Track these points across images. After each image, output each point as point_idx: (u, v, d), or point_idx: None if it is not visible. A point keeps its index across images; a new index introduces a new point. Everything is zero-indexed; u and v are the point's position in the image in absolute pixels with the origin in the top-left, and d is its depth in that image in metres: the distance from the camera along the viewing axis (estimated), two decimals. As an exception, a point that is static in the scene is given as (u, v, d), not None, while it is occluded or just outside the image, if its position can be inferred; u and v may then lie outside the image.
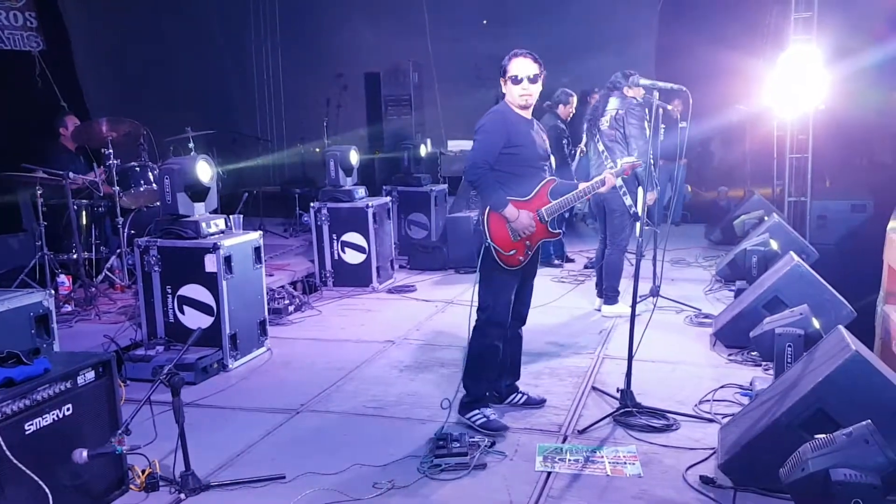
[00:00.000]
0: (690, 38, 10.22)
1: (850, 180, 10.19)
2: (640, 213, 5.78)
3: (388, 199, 7.98)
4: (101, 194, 6.61)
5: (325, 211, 7.18)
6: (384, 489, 3.29)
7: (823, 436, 2.77)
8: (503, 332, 3.98)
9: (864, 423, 2.71)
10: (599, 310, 6.21)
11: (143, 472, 3.33)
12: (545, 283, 7.35)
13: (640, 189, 5.82)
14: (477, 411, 3.92)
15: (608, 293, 6.10)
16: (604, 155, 5.94)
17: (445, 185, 9.14)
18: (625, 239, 6.00)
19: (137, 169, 6.70)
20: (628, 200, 5.83)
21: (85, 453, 2.95)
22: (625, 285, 6.10)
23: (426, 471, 3.44)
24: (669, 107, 7.23)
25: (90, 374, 3.13)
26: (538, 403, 4.24)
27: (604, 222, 6.16)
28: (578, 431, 3.87)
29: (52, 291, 4.17)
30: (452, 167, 10.23)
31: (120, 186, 6.44)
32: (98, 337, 5.10)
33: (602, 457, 3.58)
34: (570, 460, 3.55)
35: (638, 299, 4.18)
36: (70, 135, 6.97)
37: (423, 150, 9.04)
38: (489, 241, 3.80)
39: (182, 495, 3.25)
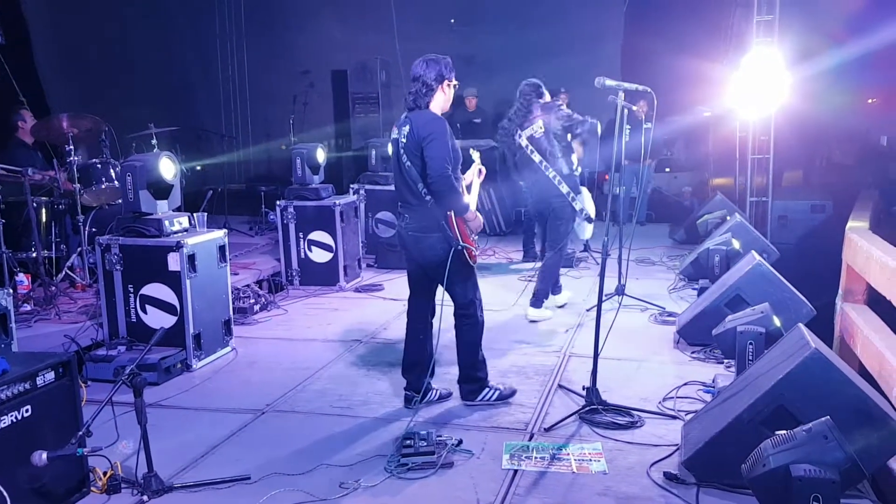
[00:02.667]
0: (655, 39, 10.35)
1: (810, 181, 10.41)
2: (591, 214, 5.91)
3: (356, 197, 7.94)
4: (62, 191, 6.49)
5: (291, 209, 7.13)
6: (351, 489, 3.28)
7: (784, 432, 2.82)
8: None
9: (823, 419, 2.77)
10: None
11: (105, 474, 3.27)
12: (511, 281, 7.39)
13: (584, 189, 5.94)
14: (486, 390, 4.25)
15: (537, 295, 6.04)
16: (543, 165, 5.92)
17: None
18: (566, 245, 6.09)
19: (99, 166, 6.58)
20: (578, 205, 5.87)
21: (45, 455, 2.90)
22: (593, 285, 6.13)
23: (393, 470, 3.44)
24: (635, 108, 7.32)
25: (50, 375, 3.07)
26: (448, 396, 4.36)
27: (544, 227, 6.18)
28: (545, 429, 3.90)
29: (11, 290, 4.09)
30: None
31: (81, 183, 6.33)
32: (58, 337, 5.00)
33: (568, 454, 3.60)
34: (536, 458, 3.57)
35: (603, 298, 4.23)
36: (28, 129, 6.82)
37: (391, 149, 9.00)
38: (462, 244, 3.94)
39: (145, 497, 3.20)
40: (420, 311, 4.27)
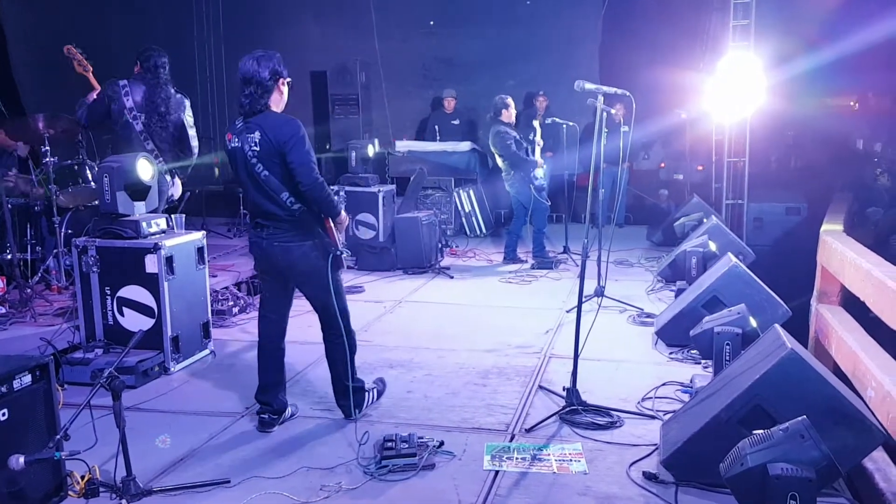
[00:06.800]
0: (633, 43, 10.42)
1: (786, 183, 10.54)
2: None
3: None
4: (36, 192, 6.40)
5: (270, 211, 7.06)
6: (331, 492, 3.28)
7: (761, 431, 2.85)
8: None
9: (799, 418, 2.81)
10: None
11: (83, 477, 3.24)
12: (492, 283, 7.41)
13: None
14: (366, 394, 4.16)
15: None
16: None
17: (393, 186, 9.10)
18: None
19: (75, 167, 6.51)
20: None
21: (22, 459, 2.87)
22: (573, 287, 6.13)
23: (374, 472, 3.43)
24: (613, 111, 7.38)
25: (27, 378, 3.04)
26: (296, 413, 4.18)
27: None
28: (526, 430, 3.92)
29: (-14, 293, 4.04)
30: (400, 167, 10.21)
31: (57, 185, 6.26)
32: (34, 340, 4.94)
33: (549, 455, 3.62)
34: (517, 459, 3.59)
35: (583, 299, 4.26)
36: None
37: (371, 150, 9.00)
38: (341, 248, 3.84)
39: (123, 501, 3.17)
40: (277, 328, 4.05)
